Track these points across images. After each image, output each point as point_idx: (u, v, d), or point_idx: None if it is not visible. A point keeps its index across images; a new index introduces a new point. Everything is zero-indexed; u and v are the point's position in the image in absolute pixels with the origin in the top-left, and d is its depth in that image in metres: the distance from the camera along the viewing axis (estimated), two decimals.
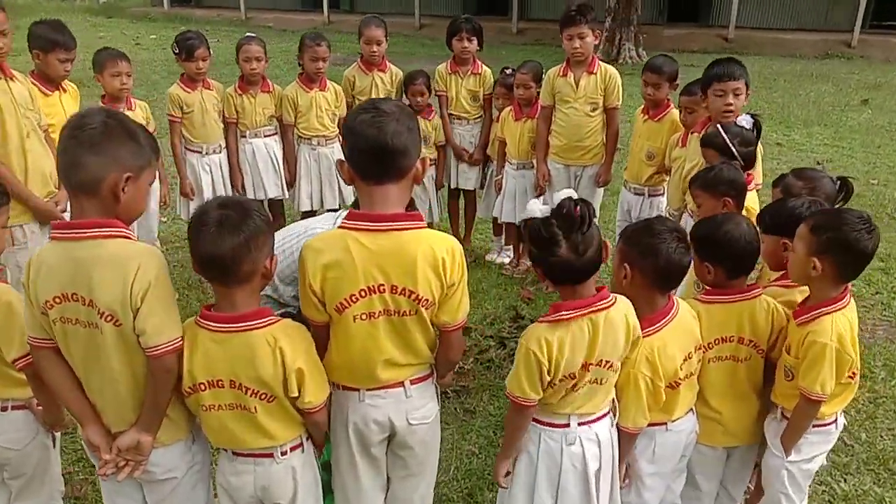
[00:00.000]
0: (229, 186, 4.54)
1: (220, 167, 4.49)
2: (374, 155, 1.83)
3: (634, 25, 13.07)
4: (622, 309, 2.02)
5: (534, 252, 1.99)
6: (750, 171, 3.16)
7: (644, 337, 2.10)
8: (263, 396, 1.87)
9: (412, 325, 1.96)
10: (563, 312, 1.94)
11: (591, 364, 1.98)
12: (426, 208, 4.95)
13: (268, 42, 4.71)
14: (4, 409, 2.20)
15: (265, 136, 4.58)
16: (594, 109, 4.29)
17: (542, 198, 4.72)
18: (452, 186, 5.08)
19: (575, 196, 1.95)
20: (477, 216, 5.27)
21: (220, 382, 1.85)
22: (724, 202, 2.78)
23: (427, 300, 1.91)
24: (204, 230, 1.77)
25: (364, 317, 1.91)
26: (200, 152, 4.42)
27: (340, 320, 1.93)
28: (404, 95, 4.82)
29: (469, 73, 4.79)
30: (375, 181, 1.86)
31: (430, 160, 4.87)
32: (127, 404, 1.88)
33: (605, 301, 1.97)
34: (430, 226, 5.13)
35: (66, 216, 3.46)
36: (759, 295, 2.35)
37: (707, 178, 2.86)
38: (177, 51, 4.28)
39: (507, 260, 5.11)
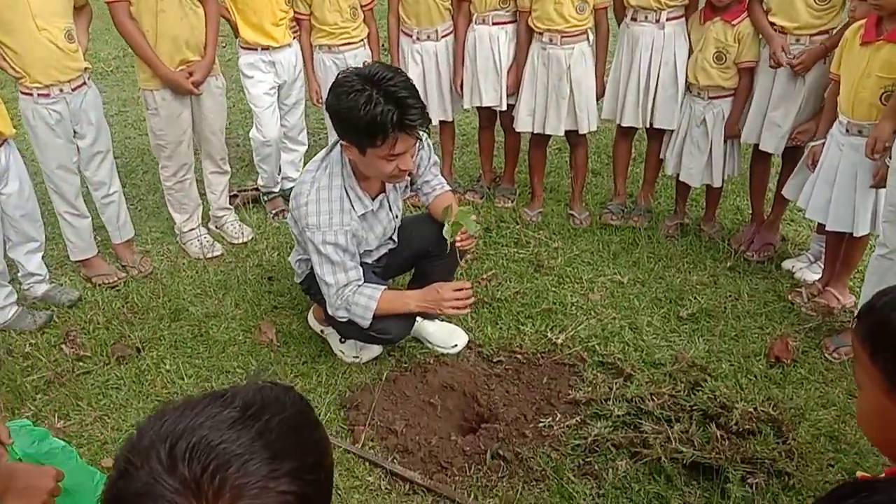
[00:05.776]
0: (444, 83, 3.64)
1: (436, 58, 3.59)
2: None
3: None
4: None
5: None
6: None
7: None
8: None
9: None
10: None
11: None
12: (701, 163, 3.26)
13: None
14: None
15: (493, 24, 3.45)
16: None
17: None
18: (749, 141, 3.19)
19: None
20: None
21: None
22: None
23: None
24: None
25: None
26: (411, 36, 3.58)
27: None
28: None
29: None
30: None
31: (726, 89, 3.11)
32: None
33: None
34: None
35: (204, 88, 3.23)
36: None
37: None
38: None
39: (811, 277, 3.10)
